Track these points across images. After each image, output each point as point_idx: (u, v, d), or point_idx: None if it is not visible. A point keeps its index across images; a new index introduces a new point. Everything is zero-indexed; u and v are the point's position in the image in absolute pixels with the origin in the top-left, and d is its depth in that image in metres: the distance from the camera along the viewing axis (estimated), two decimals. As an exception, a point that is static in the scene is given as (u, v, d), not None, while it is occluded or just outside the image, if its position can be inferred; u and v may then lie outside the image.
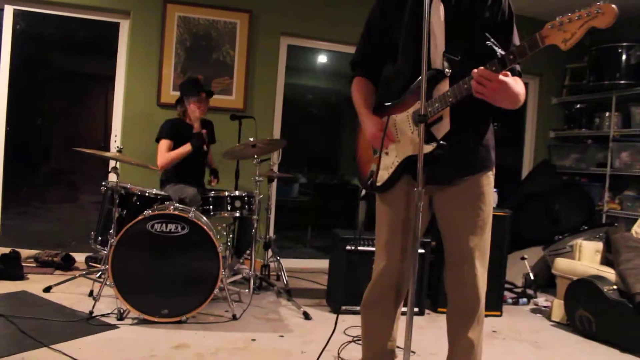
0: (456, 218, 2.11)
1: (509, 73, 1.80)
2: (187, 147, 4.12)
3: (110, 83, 5.03)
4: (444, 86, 1.95)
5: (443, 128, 2.00)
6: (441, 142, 1.94)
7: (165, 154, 4.13)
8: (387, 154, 2.14)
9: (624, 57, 5.31)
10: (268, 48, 5.23)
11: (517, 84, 1.86)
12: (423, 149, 1.85)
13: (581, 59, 5.84)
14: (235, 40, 5.08)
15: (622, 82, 5.36)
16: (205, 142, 4.22)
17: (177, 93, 4.52)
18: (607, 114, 5.68)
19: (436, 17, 2.00)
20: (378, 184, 2.16)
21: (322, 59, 5.98)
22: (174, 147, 4.16)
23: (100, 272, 3.92)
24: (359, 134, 2.31)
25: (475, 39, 1.97)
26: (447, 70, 1.96)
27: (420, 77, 1.85)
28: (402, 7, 2.05)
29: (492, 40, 1.84)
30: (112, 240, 3.33)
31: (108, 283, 3.23)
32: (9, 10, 4.68)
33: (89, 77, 5.77)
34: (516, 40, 2.04)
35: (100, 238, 3.76)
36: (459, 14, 2.01)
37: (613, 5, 1.53)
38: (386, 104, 2.16)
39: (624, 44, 5.33)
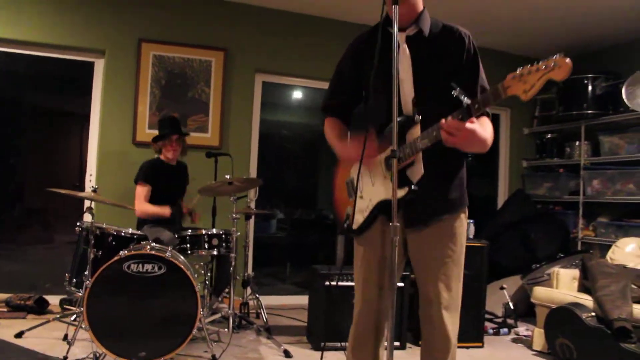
0: (427, 259, 2.12)
1: (474, 120, 1.84)
2: (166, 211, 4.13)
3: (86, 121, 5.01)
4: (416, 131, 2.00)
5: (417, 172, 2.03)
6: (413, 187, 1.97)
7: (143, 202, 4.13)
8: (361, 197, 2.17)
9: (589, 88, 5.48)
10: (243, 85, 5.28)
11: (484, 129, 1.91)
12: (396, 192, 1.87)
13: (550, 90, 6.00)
14: (211, 78, 5.12)
15: (590, 112, 5.52)
16: (182, 218, 4.29)
17: (153, 131, 4.51)
18: (577, 143, 5.82)
19: (404, 62, 2.07)
20: (354, 227, 2.17)
21: (297, 94, 6.05)
22: (152, 189, 4.17)
23: (75, 315, 3.82)
24: (335, 176, 2.34)
25: (443, 82, 2.00)
26: (417, 116, 2.01)
27: (391, 124, 1.88)
28: (371, 53, 2.06)
29: (457, 89, 1.88)
30: (87, 281, 3.27)
31: (83, 326, 3.16)
32: (-18, 52, 4.67)
33: (64, 115, 5.74)
34: (483, 78, 2.11)
35: (75, 280, 3.67)
36: (425, 58, 2.07)
37: (567, 60, 1.60)
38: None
39: (589, 75, 5.51)
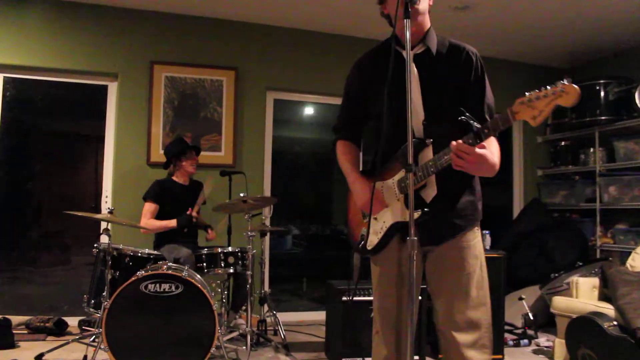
0: (445, 278, 2.12)
1: (485, 145, 1.86)
2: (172, 223, 4.19)
3: (100, 144, 5.08)
4: (428, 153, 2.02)
5: (430, 192, 2.04)
6: (425, 209, 1.98)
7: (149, 219, 4.21)
8: (375, 219, 2.16)
9: (602, 93, 5.45)
10: (255, 103, 5.32)
11: (493, 153, 1.92)
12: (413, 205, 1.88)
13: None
14: (222, 97, 5.17)
15: (603, 118, 5.48)
16: (192, 226, 4.28)
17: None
18: (592, 149, 5.77)
19: (412, 82, 2.04)
20: (368, 247, 2.17)
21: (308, 110, 6.08)
22: (160, 209, 4.24)
23: (94, 336, 3.83)
24: (349, 197, 2.33)
25: (451, 101, 2.05)
26: (427, 140, 2.03)
27: (403, 146, 1.91)
28: (379, 75, 2.09)
29: (466, 115, 1.91)
30: (106, 302, 3.29)
31: (102, 347, 3.17)
32: (-2, 78, 4.77)
33: (79, 138, 5.81)
34: (489, 97, 2.12)
35: (93, 301, 3.71)
36: (433, 77, 2.08)
37: (575, 86, 1.61)
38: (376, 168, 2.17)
39: (601, 81, 5.48)
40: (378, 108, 2.09)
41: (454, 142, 1.84)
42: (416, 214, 1.96)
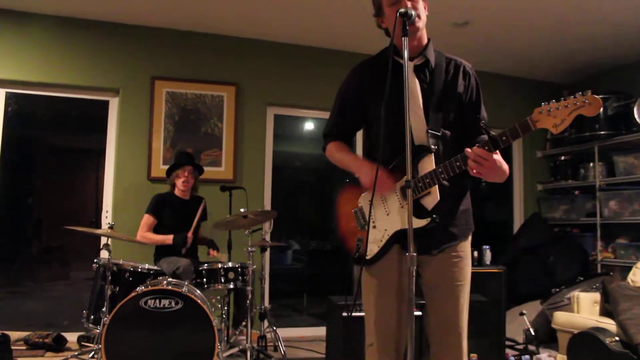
0: (443, 284, 2.13)
1: (498, 152, 1.90)
2: (167, 240, 4.21)
3: (101, 159, 5.09)
4: (429, 161, 2.03)
5: (433, 199, 2.04)
6: (434, 216, 1.99)
7: (145, 231, 4.25)
8: (374, 227, 2.14)
9: (601, 108, 5.45)
10: (255, 119, 5.35)
11: (502, 161, 1.95)
12: (414, 222, 1.92)
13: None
14: (223, 112, 5.19)
15: (602, 132, 5.49)
16: (185, 247, 4.21)
17: (167, 167, 4.58)
18: (591, 164, 5.78)
19: (413, 91, 2.10)
20: (368, 257, 2.14)
21: (308, 126, 6.10)
22: (158, 222, 4.29)
23: (93, 352, 3.81)
24: (338, 207, 2.32)
25: (451, 114, 2.10)
26: (432, 146, 2.05)
27: (403, 154, 1.91)
28: (379, 81, 2.10)
29: (484, 121, 1.99)
30: (105, 318, 3.28)
31: (101, 364, 3.16)
32: (1, 93, 4.79)
33: (80, 153, 5.84)
34: (483, 109, 2.19)
35: (92, 317, 3.70)
36: (434, 89, 2.11)
37: (598, 98, 1.69)
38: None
39: (600, 96, 5.45)
40: (377, 115, 2.09)
41: (468, 149, 1.88)
42: (424, 222, 1.99)
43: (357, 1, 4.37)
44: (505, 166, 1.96)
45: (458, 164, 1.94)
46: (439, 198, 2.03)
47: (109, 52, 4.95)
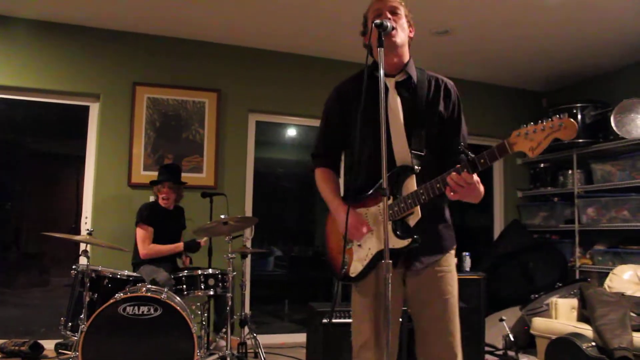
0: (430, 299, 2.13)
1: (475, 174, 1.92)
2: (178, 248, 4.25)
3: (82, 164, 5.04)
4: (412, 181, 2.06)
5: (415, 216, 2.07)
6: (416, 237, 2.01)
7: (149, 244, 4.18)
8: (360, 246, 2.14)
9: (579, 117, 5.55)
10: (237, 125, 5.34)
11: (479, 182, 1.97)
12: (397, 242, 2.01)
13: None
14: (204, 118, 5.18)
15: (581, 140, 5.57)
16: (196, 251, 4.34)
17: (148, 173, 4.59)
18: (570, 171, 5.86)
19: (395, 108, 2.11)
20: (352, 275, 2.14)
21: (290, 132, 6.11)
22: (154, 233, 4.22)
23: (70, 360, 3.79)
24: (327, 224, 2.30)
25: (432, 132, 2.11)
26: (416, 167, 2.07)
27: (389, 173, 1.96)
28: (359, 100, 2.05)
29: (462, 144, 2.02)
30: (83, 325, 3.25)
31: (78, 372, 3.12)
32: (-21, 99, 4.74)
33: (60, 159, 5.78)
34: (464, 128, 2.21)
35: (70, 324, 3.65)
36: (416, 107, 2.12)
37: (574, 122, 1.71)
38: (358, 194, 2.17)
39: (578, 104, 5.59)
40: (359, 134, 2.08)
41: (454, 173, 1.90)
42: (406, 242, 2.01)
43: (338, 9, 4.40)
44: (482, 188, 1.98)
45: (438, 185, 1.95)
46: (420, 215, 2.06)
47: (90, 58, 4.92)
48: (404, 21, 2.13)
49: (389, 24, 1.99)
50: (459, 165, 1.92)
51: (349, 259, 2.15)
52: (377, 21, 1.95)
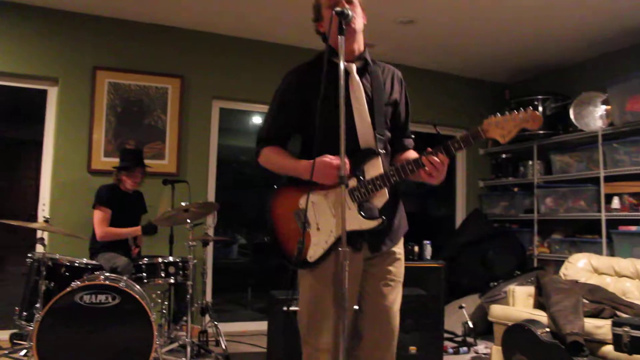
0: (384, 282, 2.18)
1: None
2: (136, 231, 4.14)
3: (40, 150, 4.90)
4: (376, 163, 2.07)
5: (382, 198, 2.09)
6: (383, 217, 2.03)
7: (105, 226, 4.08)
8: (318, 229, 2.10)
9: (540, 108, 5.66)
10: (200, 112, 5.27)
11: None
12: (365, 223, 2.05)
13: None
14: (167, 105, 5.10)
15: (541, 132, 5.68)
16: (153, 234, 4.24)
17: (109, 159, 4.49)
18: (530, 162, 5.98)
19: (357, 92, 2.12)
20: (310, 260, 2.09)
21: (255, 120, 6.07)
22: (112, 215, 4.12)
23: (25, 350, 3.70)
24: (274, 210, 2.24)
25: (388, 117, 2.19)
26: (381, 150, 2.10)
27: (354, 156, 2.01)
28: (319, 83, 2.00)
29: (436, 128, 2.06)
30: (38, 315, 3.18)
31: (33, 361, 3.06)
32: None
33: (17, 144, 5.62)
34: (409, 114, 2.33)
35: (25, 313, 3.57)
36: (376, 92, 2.16)
37: (540, 115, 1.90)
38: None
39: (539, 96, 5.71)
40: (320, 118, 2.03)
41: (434, 157, 1.96)
42: (375, 222, 2.03)
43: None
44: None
45: (410, 167, 2.00)
46: (387, 196, 2.07)
47: (48, 40, 4.77)
48: (359, 8, 2.15)
49: (350, 12, 2.00)
50: (430, 149, 1.98)
51: (304, 242, 2.10)
52: (338, 9, 1.96)
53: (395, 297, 2.19)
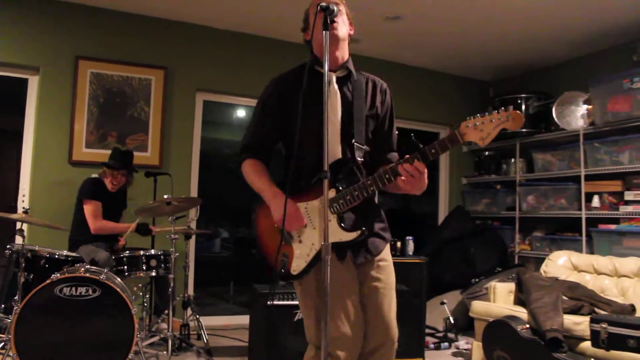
0: (378, 287, 2.16)
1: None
2: (131, 228, 4.09)
3: (21, 140, 4.82)
4: (353, 174, 2.09)
5: (362, 208, 2.09)
6: (363, 229, 2.02)
7: (100, 219, 4.06)
8: (301, 242, 2.10)
9: (523, 107, 5.70)
10: (183, 104, 5.23)
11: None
12: (345, 235, 2.04)
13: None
14: (150, 96, 5.05)
15: (524, 130, 5.73)
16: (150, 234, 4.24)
17: (90, 150, 4.43)
18: (513, 160, 6.03)
19: (334, 102, 2.11)
20: (294, 272, 2.10)
21: (239, 113, 6.04)
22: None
23: (2, 343, 3.65)
24: (258, 222, 2.24)
25: (369, 128, 2.16)
26: (359, 159, 2.09)
27: (330, 165, 1.97)
28: (298, 92, 2.02)
29: (413, 135, 2.03)
30: (17, 307, 3.13)
31: (10, 354, 3.01)
32: None
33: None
34: (395, 130, 2.28)
35: (3, 305, 3.52)
36: (354, 99, 2.14)
37: (520, 113, 1.80)
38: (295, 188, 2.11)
39: (523, 95, 5.75)
40: (300, 127, 2.01)
41: (406, 164, 1.92)
42: (354, 234, 2.02)
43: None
44: (427, 179, 2.02)
45: (387, 176, 1.97)
46: (367, 207, 2.10)
47: (29, 27, 4.68)
48: (345, 17, 2.14)
49: (335, 8, 1.99)
50: (407, 156, 1.95)
51: (289, 255, 2.11)
52: (323, 4, 1.94)
53: (389, 304, 2.17)
